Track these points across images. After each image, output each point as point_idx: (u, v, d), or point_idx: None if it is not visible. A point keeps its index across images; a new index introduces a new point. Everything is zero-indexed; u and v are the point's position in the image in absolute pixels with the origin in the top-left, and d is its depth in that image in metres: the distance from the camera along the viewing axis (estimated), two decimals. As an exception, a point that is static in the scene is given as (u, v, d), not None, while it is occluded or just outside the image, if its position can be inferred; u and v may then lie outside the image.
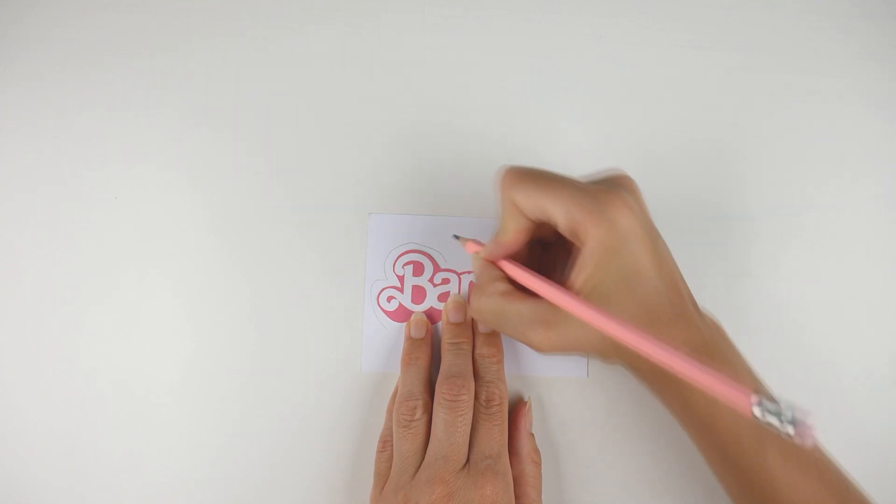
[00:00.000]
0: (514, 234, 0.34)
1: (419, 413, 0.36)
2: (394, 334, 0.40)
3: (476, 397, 0.36)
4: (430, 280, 0.41)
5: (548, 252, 0.38)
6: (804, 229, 0.43)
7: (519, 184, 0.32)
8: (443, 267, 0.41)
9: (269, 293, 0.41)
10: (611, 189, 0.31)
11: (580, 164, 0.43)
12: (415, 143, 0.43)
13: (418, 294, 0.41)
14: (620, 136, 0.43)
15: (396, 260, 0.41)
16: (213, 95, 0.43)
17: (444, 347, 0.39)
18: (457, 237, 0.40)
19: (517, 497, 0.35)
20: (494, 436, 0.35)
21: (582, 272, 0.31)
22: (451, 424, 0.35)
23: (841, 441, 0.41)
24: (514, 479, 0.36)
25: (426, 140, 0.43)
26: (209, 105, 0.43)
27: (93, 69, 0.43)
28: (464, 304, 0.40)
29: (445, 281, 0.41)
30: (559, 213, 0.31)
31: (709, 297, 0.42)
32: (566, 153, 0.43)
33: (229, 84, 0.43)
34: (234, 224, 0.41)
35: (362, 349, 0.40)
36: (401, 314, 0.41)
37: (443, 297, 0.41)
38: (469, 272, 0.41)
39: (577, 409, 0.40)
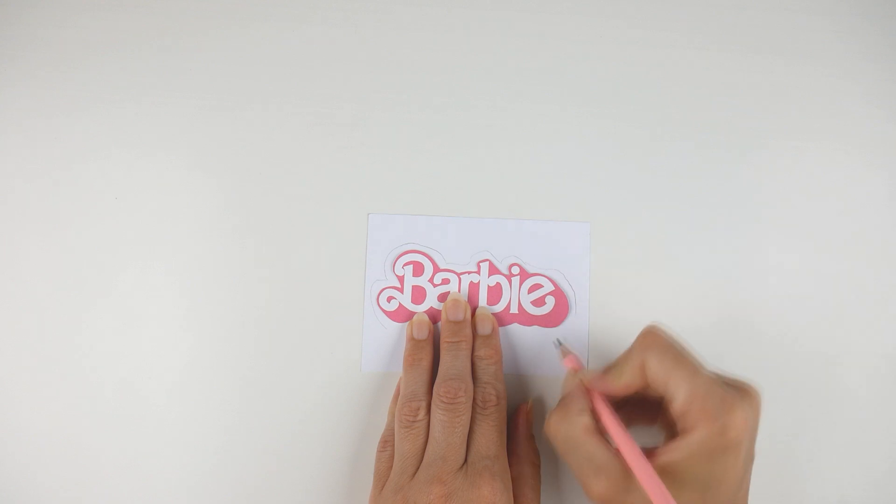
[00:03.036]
0: (625, 387, 0.34)
1: (421, 414, 0.36)
2: (394, 334, 0.41)
3: (473, 398, 0.36)
4: (430, 280, 0.41)
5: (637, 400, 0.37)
6: (804, 228, 0.43)
7: (657, 351, 0.33)
8: (443, 267, 0.41)
9: (269, 293, 0.41)
10: (736, 396, 0.31)
11: (579, 164, 0.43)
12: (415, 143, 0.43)
13: (418, 294, 0.41)
14: (620, 135, 0.43)
15: (396, 260, 0.41)
16: (212, 95, 0.43)
17: (443, 346, 0.39)
18: (559, 343, 0.39)
19: (515, 498, 0.35)
20: (492, 437, 0.35)
21: (672, 454, 0.31)
22: (448, 425, 0.35)
23: (841, 441, 0.41)
24: (513, 480, 0.36)
25: (426, 140, 0.43)
26: (208, 105, 0.43)
27: (93, 69, 0.43)
28: (463, 302, 0.40)
29: (445, 281, 0.41)
30: (680, 395, 0.31)
31: (710, 295, 0.42)
32: (566, 152, 0.43)
33: (229, 84, 0.43)
34: (234, 224, 0.41)
35: (362, 349, 0.40)
36: (401, 314, 0.41)
37: (443, 298, 0.41)
38: (469, 272, 0.41)
39: (577, 409, 0.40)
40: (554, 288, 0.41)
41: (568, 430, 0.34)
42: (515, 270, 0.41)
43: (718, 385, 0.31)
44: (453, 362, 0.38)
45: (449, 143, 0.43)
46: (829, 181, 0.43)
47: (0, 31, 0.43)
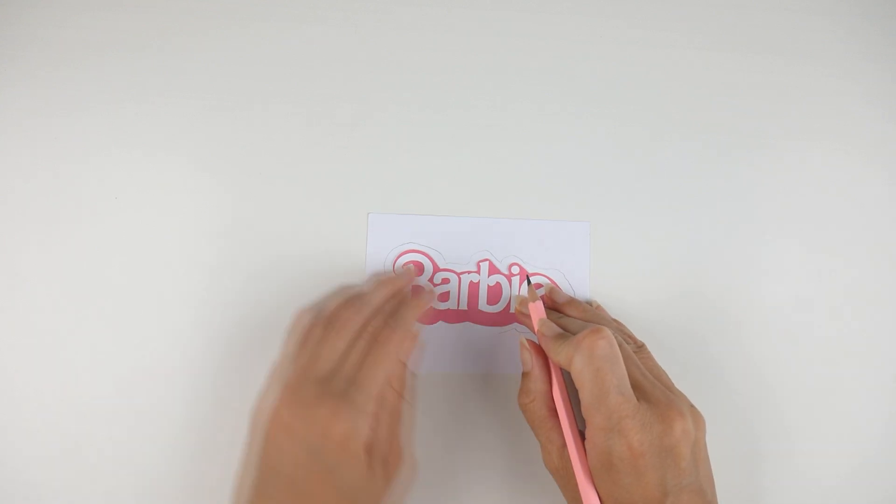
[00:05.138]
0: (558, 363, 0.34)
1: (318, 331, 0.35)
2: (394, 334, 0.41)
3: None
4: (430, 280, 0.41)
5: None
6: (804, 228, 0.43)
7: (587, 355, 0.33)
8: (442, 267, 0.41)
9: (270, 293, 0.41)
10: (638, 426, 0.31)
11: (579, 164, 0.43)
12: (415, 143, 0.43)
13: (418, 293, 0.41)
14: (620, 135, 0.43)
15: (396, 260, 0.41)
16: (212, 95, 0.43)
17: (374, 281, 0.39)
18: (529, 282, 0.39)
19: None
20: (366, 364, 0.34)
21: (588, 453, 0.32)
22: (325, 339, 0.35)
23: (840, 441, 0.41)
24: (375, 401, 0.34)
25: (426, 140, 0.43)
26: (208, 105, 0.43)
27: (93, 69, 0.43)
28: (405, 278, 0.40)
29: (445, 281, 0.41)
30: (584, 402, 0.32)
31: (710, 295, 0.42)
32: (566, 152, 0.43)
33: (229, 84, 0.43)
34: (235, 224, 0.41)
35: (362, 349, 0.40)
36: (401, 314, 0.41)
37: (443, 297, 0.41)
38: (468, 272, 0.41)
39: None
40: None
41: (535, 411, 0.35)
42: (515, 270, 0.41)
43: (624, 408, 0.31)
44: (377, 293, 0.37)
45: (449, 143, 0.43)
46: (829, 181, 0.43)
47: (0, 31, 0.43)
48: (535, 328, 0.37)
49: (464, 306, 0.41)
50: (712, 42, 0.45)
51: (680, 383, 0.41)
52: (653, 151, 0.43)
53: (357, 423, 0.32)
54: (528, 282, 0.40)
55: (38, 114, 0.42)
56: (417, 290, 0.40)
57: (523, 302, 0.39)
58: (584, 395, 0.32)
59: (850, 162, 0.43)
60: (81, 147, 0.42)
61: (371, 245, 0.41)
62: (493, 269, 0.41)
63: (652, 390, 0.34)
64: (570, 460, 0.33)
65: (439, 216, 0.42)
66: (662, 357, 0.41)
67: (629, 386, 0.32)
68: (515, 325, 0.41)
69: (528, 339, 0.37)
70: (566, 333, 0.35)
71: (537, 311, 0.37)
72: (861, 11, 0.45)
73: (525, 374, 0.36)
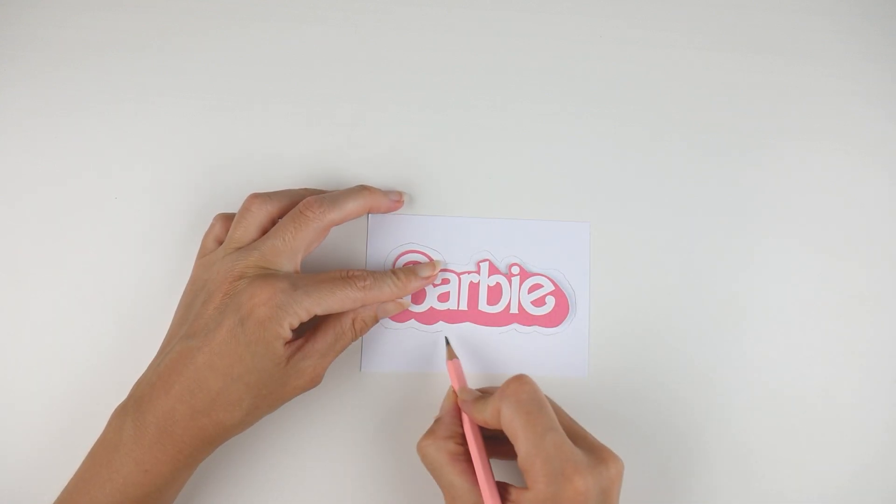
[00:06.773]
0: (484, 423, 0.34)
1: (262, 210, 0.37)
2: (393, 334, 0.41)
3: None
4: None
5: None
6: (804, 228, 0.43)
7: (512, 402, 0.32)
8: (442, 267, 0.41)
9: (269, 293, 0.41)
10: (583, 463, 0.31)
11: (579, 164, 0.43)
12: (415, 143, 0.43)
13: (418, 294, 0.41)
14: (620, 135, 0.43)
15: (396, 260, 0.41)
16: (212, 95, 0.43)
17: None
18: (448, 342, 0.40)
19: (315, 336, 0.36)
20: (293, 245, 0.36)
21: None
22: (280, 226, 0.36)
23: (841, 443, 0.41)
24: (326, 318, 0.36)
25: (426, 140, 0.43)
26: (208, 105, 0.43)
27: (93, 69, 0.43)
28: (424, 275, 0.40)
29: (445, 281, 0.41)
30: (522, 452, 0.31)
31: (710, 295, 0.42)
32: (566, 152, 0.43)
33: (229, 84, 0.43)
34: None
35: (362, 349, 0.40)
36: (400, 314, 0.41)
37: (443, 297, 0.41)
38: (469, 272, 0.41)
39: (577, 408, 0.40)
40: (554, 288, 0.41)
41: (434, 455, 0.34)
42: (515, 270, 0.41)
43: (565, 449, 0.31)
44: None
45: (449, 143, 0.43)
46: (829, 181, 0.43)
47: (0, 31, 0.43)
48: (455, 389, 0.37)
49: (464, 306, 0.41)
50: (712, 42, 0.45)
51: (680, 384, 0.41)
52: (653, 151, 0.43)
53: (283, 319, 0.34)
54: (447, 341, 0.40)
55: (38, 114, 0.42)
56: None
57: (451, 370, 0.38)
58: (520, 444, 0.31)
59: (850, 162, 0.43)
60: (81, 147, 0.42)
61: (371, 245, 0.41)
62: (493, 270, 0.41)
63: (583, 433, 0.34)
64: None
65: (439, 216, 0.42)
66: (662, 357, 0.41)
67: (561, 428, 0.32)
68: (516, 325, 0.41)
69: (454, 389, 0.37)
70: (485, 395, 0.35)
71: (456, 371, 0.37)
72: (861, 11, 0.45)
73: (436, 420, 0.36)
